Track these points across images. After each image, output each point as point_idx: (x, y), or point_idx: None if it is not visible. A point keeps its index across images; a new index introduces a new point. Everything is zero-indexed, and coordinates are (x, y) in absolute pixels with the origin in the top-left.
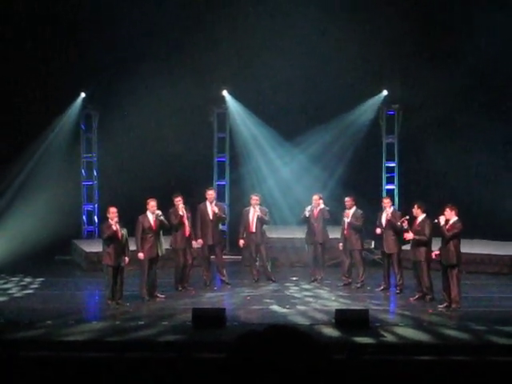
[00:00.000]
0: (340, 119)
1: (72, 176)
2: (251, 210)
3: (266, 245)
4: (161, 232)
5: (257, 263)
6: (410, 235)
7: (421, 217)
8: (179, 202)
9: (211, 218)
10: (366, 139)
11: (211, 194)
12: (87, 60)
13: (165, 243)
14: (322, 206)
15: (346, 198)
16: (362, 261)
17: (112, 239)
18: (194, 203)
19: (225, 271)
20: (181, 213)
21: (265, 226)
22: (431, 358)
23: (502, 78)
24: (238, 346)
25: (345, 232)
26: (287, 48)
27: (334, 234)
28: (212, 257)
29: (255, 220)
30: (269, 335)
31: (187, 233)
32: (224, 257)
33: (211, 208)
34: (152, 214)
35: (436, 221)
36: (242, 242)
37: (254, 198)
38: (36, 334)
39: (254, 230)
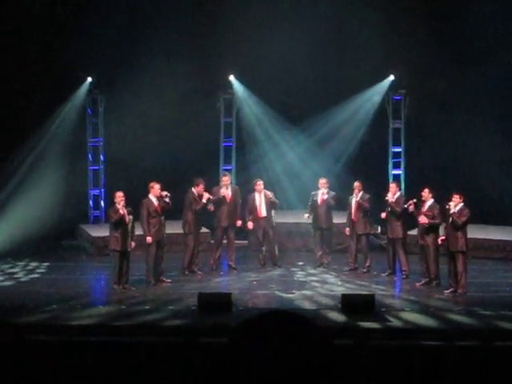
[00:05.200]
0: (347, 104)
1: (78, 161)
2: (256, 195)
3: (274, 229)
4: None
5: (263, 248)
6: (424, 219)
7: (430, 201)
8: (202, 189)
9: (227, 201)
10: (373, 124)
11: (226, 179)
12: (94, 45)
13: (168, 227)
14: (327, 193)
15: (356, 183)
16: (368, 246)
17: (119, 224)
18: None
19: (234, 256)
20: (204, 200)
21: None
22: (437, 343)
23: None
24: (238, 331)
25: (352, 217)
26: (294, 33)
27: (341, 218)
28: (224, 241)
29: (263, 205)
30: (269, 320)
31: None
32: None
33: (227, 192)
34: (157, 197)
35: (447, 207)
36: (250, 223)
37: (259, 184)
38: (42, 318)
39: (261, 215)
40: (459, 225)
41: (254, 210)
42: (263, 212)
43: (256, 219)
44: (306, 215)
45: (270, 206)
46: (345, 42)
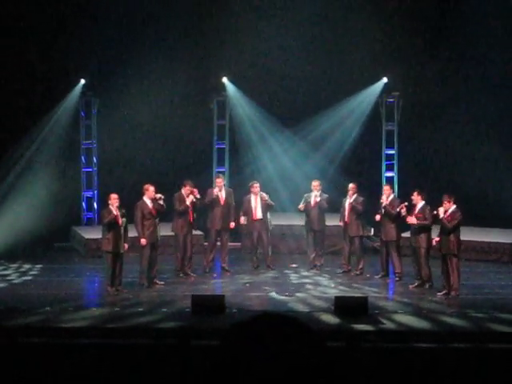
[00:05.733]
0: (340, 106)
1: (71, 163)
2: (252, 197)
3: (269, 232)
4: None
5: (258, 251)
6: (412, 219)
7: (420, 204)
8: (188, 190)
9: (221, 203)
10: (366, 126)
11: (220, 181)
12: (87, 47)
13: (162, 229)
14: (319, 196)
15: (351, 185)
16: (361, 248)
17: (112, 225)
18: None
19: (227, 258)
20: (187, 203)
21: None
22: (430, 346)
23: (503, 65)
24: (230, 334)
25: (345, 219)
26: (288, 35)
27: (334, 220)
28: (217, 243)
29: (259, 207)
30: (261, 322)
31: (191, 219)
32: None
33: (221, 194)
34: (151, 199)
35: (435, 212)
36: (242, 218)
37: (256, 186)
38: (35, 320)
39: (257, 217)
40: (449, 228)
41: (249, 212)
42: (258, 214)
43: (251, 221)
44: (301, 206)
45: (266, 208)
46: (338, 44)
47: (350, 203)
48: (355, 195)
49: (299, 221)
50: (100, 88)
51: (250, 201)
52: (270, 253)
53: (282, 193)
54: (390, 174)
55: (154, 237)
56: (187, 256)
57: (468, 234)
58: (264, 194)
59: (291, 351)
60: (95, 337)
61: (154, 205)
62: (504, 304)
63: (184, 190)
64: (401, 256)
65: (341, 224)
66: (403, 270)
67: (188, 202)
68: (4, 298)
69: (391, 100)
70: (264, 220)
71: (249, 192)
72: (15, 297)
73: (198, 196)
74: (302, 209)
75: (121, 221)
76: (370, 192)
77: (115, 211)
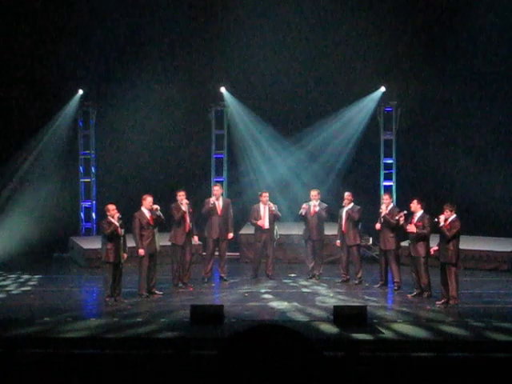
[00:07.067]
0: (338, 116)
1: (70, 173)
2: (261, 206)
3: (274, 242)
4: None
5: (262, 260)
6: (412, 227)
7: (419, 213)
8: (182, 196)
9: (218, 212)
10: (364, 136)
11: (217, 189)
12: (85, 57)
13: (161, 239)
14: (318, 205)
15: (346, 193)
16: (359, 257)
17: (112, 236)
18: (196, 199)
19: (225, 268)
20: (183, 208)
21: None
22: (429, 355)
23: (501, 74)
24: (228, 344)
25: (342, 228)
26: (285, 45)
27: (332, 230)
28: (216, 253)
29: (267, 217)
30: (258, 333)
31: (187, 228)
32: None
33: (218, 203)
34: (148, 209)
35: (436, 220)
36: (261, 221)
37: (265, 195)
38: (34, 330)
39: (265, 226)
40: (448, 237)
41: (258, 220)
42: (266, 224)
43: (258, 231)
44: (304, 206)
45: (273, 218)
46: (336, 53)
47: (347, 212)
48: (351, 204)
49: (298, 230)
50: (98, 98)
51: (259, 210)
52: (273, 263)
53: (280, 202)
54: (388, 183)
55: (152, 247)
56: (185, 266)
57: (466, 243)
58: (272, 205)
59: (289, 361)
60: (94, 347)
61: (153, 215)
62: (503, 313)
63: (179, 199)
64: (399, 265)
65: (337, 244)
66: (402, 279)
67: (184, 208)
68: (3, 309)
69: (389, 109)
70: (271, 230)
71: (258, 201)
72: (14, 307)
73: (187, 202)
74: (304, 213)
75: (120, 231)
76: (369, 201)
77: (116, 222)
